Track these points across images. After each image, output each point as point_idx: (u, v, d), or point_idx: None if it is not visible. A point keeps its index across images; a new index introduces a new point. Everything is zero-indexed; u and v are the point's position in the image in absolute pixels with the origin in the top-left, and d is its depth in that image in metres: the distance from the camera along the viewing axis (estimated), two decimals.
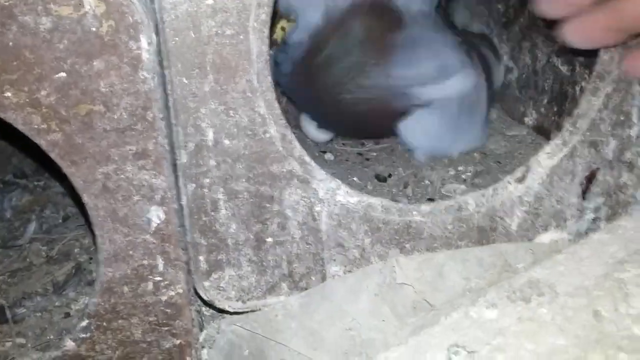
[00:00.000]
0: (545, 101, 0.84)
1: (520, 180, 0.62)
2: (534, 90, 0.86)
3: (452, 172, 0.82)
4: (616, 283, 0.47)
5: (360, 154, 0.92)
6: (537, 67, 0.85)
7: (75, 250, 0.81)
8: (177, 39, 0.50)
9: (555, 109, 0.82)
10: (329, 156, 0.90)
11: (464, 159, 0.85)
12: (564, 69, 0.79)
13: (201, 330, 0.65)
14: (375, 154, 0.91)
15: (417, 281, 0.58)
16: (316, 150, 0.91)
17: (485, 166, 0.83)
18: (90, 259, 0.78)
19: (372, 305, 0.57)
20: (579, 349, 0.41)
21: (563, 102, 0.79)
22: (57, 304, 0.72)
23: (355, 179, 0.81)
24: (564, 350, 0.41)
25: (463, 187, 0.78)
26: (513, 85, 0.92)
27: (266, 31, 0.52)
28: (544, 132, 0.84)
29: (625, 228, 0.56)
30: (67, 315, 0.70)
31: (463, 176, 0.81)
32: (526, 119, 0.89)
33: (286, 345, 0.57)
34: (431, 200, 0.74)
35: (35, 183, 0.95)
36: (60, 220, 0.88)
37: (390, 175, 0.83)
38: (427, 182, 0.81)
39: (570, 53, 0.76)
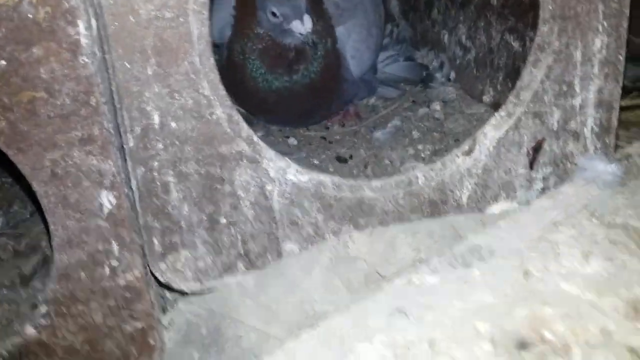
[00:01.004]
0: (500, 78, 0.85)
1: (468, 153, 0.64)
2: (490, 68, 0.87)
3: (411, 152, 0.83)
4: (549, 244, 0.48)
5: (324, 137, 0.93)
6: (492, 45, 0.86)
7: (43, 243, 0.82)
8: (116, 23, 0.51)
9: (510, 85, 0.83)
10: (292, 141, 0.91)
11: (424, 139, 0.86)
12: (516, 45, 0.80)
13: (164, 313, 0.66)
14: (338, 137, 0.92)
15: (369, 254, 0.59)
16: (280, 136, 0.92)
17: (444, 144, 0.84)
18: None
19: (325, 279, 0.59)
20: (506, 305, 0.42)
21: (516, 78, 0.80)
22: (24, 295, 0.73)
23: (316, 161, 0.83)
24: (492, 307, 0.42)
25: (422, 165, 0.80)
26: (471, 64, 0.93)
27: (206, 13, 0.53)
28: None
29: (566, 194, 0.58)
30: (35, 306, 0.71)
31: (422, 155, 0.82)
32: (484, 97, 0.90)
33: (242, 321, 0.58)
34: None
35: (3, 179, 0.96)
36: (28, 215, 0.88)
37: (351, 157, 0.84)
38: (387, 161, 0.82)
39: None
